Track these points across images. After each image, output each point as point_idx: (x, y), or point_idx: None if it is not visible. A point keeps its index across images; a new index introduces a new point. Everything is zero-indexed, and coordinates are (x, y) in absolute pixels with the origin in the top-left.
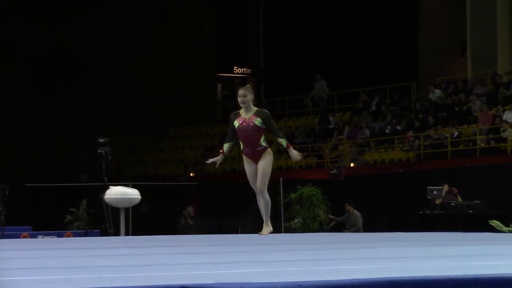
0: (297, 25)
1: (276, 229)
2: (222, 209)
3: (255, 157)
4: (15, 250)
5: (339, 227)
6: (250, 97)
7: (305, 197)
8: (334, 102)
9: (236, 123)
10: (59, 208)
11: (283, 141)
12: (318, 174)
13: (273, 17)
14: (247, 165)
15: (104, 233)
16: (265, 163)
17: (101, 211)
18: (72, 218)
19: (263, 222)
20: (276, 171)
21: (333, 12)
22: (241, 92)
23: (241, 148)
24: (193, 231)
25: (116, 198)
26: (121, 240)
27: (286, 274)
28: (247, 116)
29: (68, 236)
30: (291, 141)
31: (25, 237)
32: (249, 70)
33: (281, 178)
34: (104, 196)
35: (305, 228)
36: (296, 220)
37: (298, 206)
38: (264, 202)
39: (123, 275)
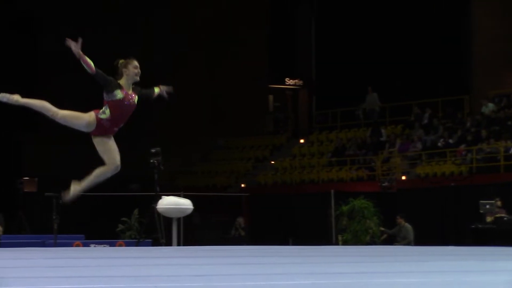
0: (349, 36)
1: (328, 241)
2: (273, 220)
3: (111, 134)
4: (67, 259)
5: (391, 240)
6: None
7: (356, 210)
8: (386, 114)
9: (120, 94)
10: (111, 217)
11: (155, 89)
12: (369, 186)
13: (325, 28)
14: (109, 140)
15: (156, 243)
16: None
17: (153, 221)
18: (124, 227)
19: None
20: (328, 184)
21: (385, 24)
22: (136, 63)
23: (103, 118)
24: (244, 242)
25: (168, 208)
26: (174, 250)
27: (340, 286)
28: (129, 91)
29: (120, 245)
30: (342, 152)
31: (77, 245)
32: (300, 82)
33: (332, 191)
34: (156, 206)
35: (357, 240)
36: (347, 233)
37: (347, 218)
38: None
39: (177, 284)
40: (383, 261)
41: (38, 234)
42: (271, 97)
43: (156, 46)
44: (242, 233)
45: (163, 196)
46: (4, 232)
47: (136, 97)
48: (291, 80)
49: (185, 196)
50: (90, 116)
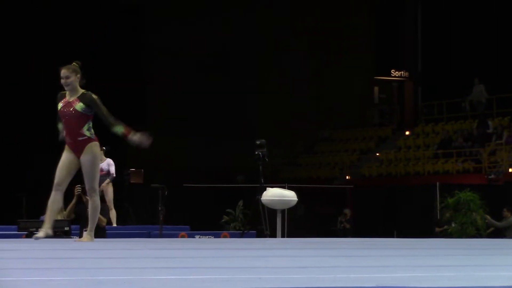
0: (455, 27)
1: (432, 234)
2: (377, 212)
3: (76, 149)
4: (173, 249)
5: (497, 233)
6: (73, 78)
7: (462, 202)
8: (493, 106)
9: (59, 105)
10: (216, 208)
11: (118, 129)
12: (475, 179)
13: (431, 19)
14: (66, 153)
15: (260, 234)
16: (90, 161)
17: (258, 212)
18: (228, 219)
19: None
20: (433, 176)
21: (493, 14)
22: (63, 72)
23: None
24: (349, 234)
25: (273, 199)
26: (278, 242)
27: (445, 279)
28: (70, 99)
29: (224, 236)
30: (448, 144)
31: (183, 236)
32: (406, 73)
33: (438, 183)
34: (261, 197)
35: (462, 233)
36: (452, 225)
37: (452, 211)
38: (93, 207)
39: (281, 276)
40: (488, 254)
41: (143, 225)
42: (376, 89)
43: (260, 35)
44: (347, 226)
45: (267, 188)
46: (109, 223)
47: (80, 103)
48: (397, 72)
49: (290, 188)
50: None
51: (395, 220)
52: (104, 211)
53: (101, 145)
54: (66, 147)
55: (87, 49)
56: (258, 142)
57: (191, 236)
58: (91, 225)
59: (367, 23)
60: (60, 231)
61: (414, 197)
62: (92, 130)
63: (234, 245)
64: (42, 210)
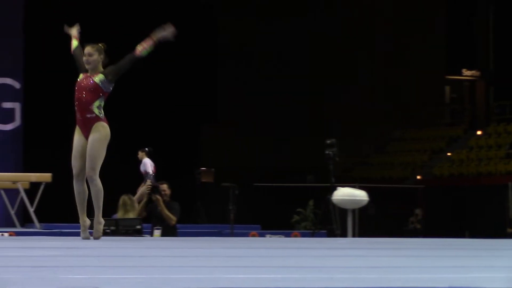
0: None
1: (504, 234)
2: (449, 212)
3: (85, 128)
4: (244, 248)
5: None
6: (96, 57)
7: None
8: None
9: (79, 77)
10: (286, 208)
11: (144, 51)
12: None
13: (504, 18)
14: (76, 136)
15: (330, 234)
16: (95, 141)
17: (328, 212)
18: (299, 218)
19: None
20: (505, 176)
21: None
22: (87, 49)
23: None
24: (420, 234)
25: (344, 199)
26: (349, 242)
27: None
28: (91, 74)
29: (295, 236)
30: None
31: (253, 235)
32: (478, 73)
33: (510, 183)
34: (331, 197)
35: None
36: None
37: None
38: (95, 191)
39: (353, 276)
40: None
41: (214, 224)
42: (448, 88)
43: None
44: (418, 226)
45: (338, 187)
46: (180, 222)
47: (100, 75)
48: (468, 71)
49: (360, 188)
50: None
51: (466, 220)
52: (175, 209)
53: (144, 146)
54: (76, 128)
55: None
56: (328, 142)
57: (261, 235)
58: (97, 212)
59: (439, 22)
60: (132, 230)
61: (486, 197)
62: (102, 111)
63: (305, 244)
64: (115, 209)
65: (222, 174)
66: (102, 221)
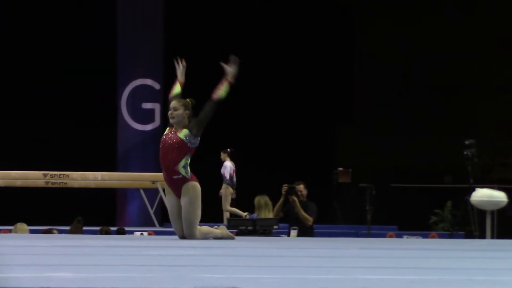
0: None
1: None
2: None
3: (174, 188)
4: (380, 249)
5: None
6: (181, 112)
7: None
8: None
9: (166, 131)
10: (424, 209)
11: (221, 94)
12: None
13: None
14: (168, 196)
15: (468, 235)
16: (187, 205)
17: (467, 213)
18: (437, 219)
19: None
20: None
21: None
22: (172, 103)
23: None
24: None
25: (482, 200)
26: (488, 243)
27: None
28: (176, 129)
29: (432, 237)
30: None
31: (390, 236)
32: None
33: None
34: (469, 198)
35: None
36: None
37: None
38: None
39: (492, 278)
40: None
41: (351, 224)
42: None
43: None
44: None
45: (476, 188)
46: (317, 222)
47: (185, 130)
48: None
49: (499, 189)
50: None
51: None
52: (311, 210)
53: (227, 147)
54: (166, 187)
55: (297, 47)
56: (467, 142)
57: (398, 236)
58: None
59: None
60: (269, 230)
61: None
62: (189, 169)
63: (443, 245)
64: (251, 208)
65: (359, 174)
66: None
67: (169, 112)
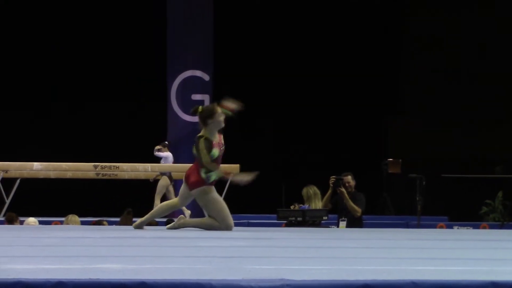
0: None
1: None
2: None
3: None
4: (432, 240)
5: None
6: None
7: None
8: None
9: (216, 152)
10: (474, 199)
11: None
12: None
13: None
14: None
15: None
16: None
17: None
18: (487, 210)
19: None
20: None
21: None
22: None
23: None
24: None
25: None
26: None
27: None
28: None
29: (483, 228)
30: None
31: (441, 227)
32: None
33: None
34: None
35: None
36: None
37: None
38: None
39: None
40: None
41: (401, 215)
42: None
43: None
44: None
45: None
46: (367, 213)
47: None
48: None
49: None
50: None
51: None
52: (360, 201)
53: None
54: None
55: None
56: None
57: (449, 226)
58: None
59: None
60: (318, 221)
61: None
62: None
63: (494, 236)
64: (300, 199)
65: (409, 164)
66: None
67: (223, 118)
